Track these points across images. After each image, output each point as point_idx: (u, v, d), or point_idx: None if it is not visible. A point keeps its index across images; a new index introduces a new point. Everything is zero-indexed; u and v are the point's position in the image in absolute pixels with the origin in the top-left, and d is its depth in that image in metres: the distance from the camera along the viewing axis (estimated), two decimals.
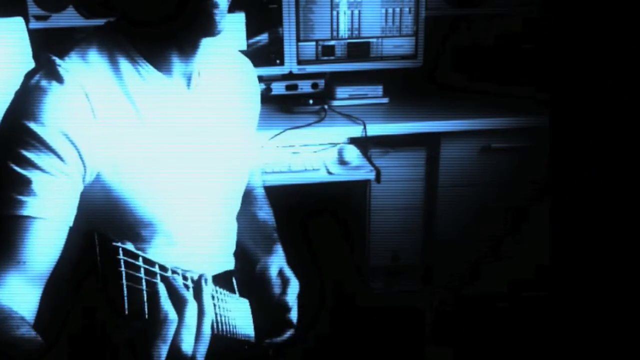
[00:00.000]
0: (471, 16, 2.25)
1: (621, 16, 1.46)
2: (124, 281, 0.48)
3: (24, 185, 0.71)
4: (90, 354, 0.49)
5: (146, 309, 0.51)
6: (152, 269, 0.54)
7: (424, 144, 2.04)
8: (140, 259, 0.52)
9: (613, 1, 1.49)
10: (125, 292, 0.48)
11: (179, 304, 0.55)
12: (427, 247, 2.16)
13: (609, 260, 1.50)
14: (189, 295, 0.57)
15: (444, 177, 2.03)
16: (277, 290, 0.97)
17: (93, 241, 0.48)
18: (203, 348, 0.58)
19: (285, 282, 0.99)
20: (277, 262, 1.01)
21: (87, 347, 0.49)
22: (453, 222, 2.08)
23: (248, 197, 1.17)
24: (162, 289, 0.54)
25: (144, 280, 0.51)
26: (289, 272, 1.01)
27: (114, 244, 0.49)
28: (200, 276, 0.61)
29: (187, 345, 0.55)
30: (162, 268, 0.56)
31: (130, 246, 0.53)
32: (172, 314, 0.54)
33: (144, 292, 0.51)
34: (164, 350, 0.53)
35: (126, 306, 0.47)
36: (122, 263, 0.49)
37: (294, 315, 1.01)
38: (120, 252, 0.49)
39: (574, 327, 1.61)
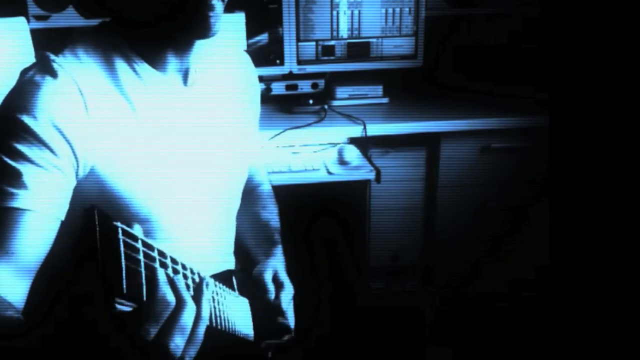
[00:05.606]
0: (471, 16, 2.25)
1: (621, 16, 1.46)
2: (123, 261, 0.47)
3: (15, 177, 0.71)
4: (76, 339, 0.49)
5: (144, 291, 0.51)
6: (151, 252, 0.54)
7: (424, 144, 2.04)
8: (140, 241, 0.52)
9: (613, 1, 1.49)
10: (124, 273, 0.47)
11: (179, 304, 0.55)
12: (427, 247, 2.16)
13: (609, 260, 1.50)
14: (188, 297, 0.56)
15: (444, 177, 2.03)
16: (271, 295, 0.96)
17: (93, 219, 0.47)
18: (193, 351, 0.58)
19: (279, 286, 0.98)
20: (272, 266, 1.00)
21: (73, 332, 0.49)
22: (453, 222, 2.08)
23: (251, 195, 1.16)
24: (161, 273, 0.54)
25: (142, 262, 0.51)
26: (283, 277, 1.00)
27: (114, 223, 0.49)
28: (202, 280, 0.61)
29: (175, 347, 0.55)
30: (161, 254, 0.56)
31: (139, 231, 0.52)
32: (170, 296, 0.54)
33: (143, 274, 0.51)
34: (153, 332, 0.53)
35: (124, 286, 0.47)
36: (121, 243, 0.48)
37: (290, 319, 1.00)
38: (120, 232, 0.49)
39: (574, 327, 1.61)
